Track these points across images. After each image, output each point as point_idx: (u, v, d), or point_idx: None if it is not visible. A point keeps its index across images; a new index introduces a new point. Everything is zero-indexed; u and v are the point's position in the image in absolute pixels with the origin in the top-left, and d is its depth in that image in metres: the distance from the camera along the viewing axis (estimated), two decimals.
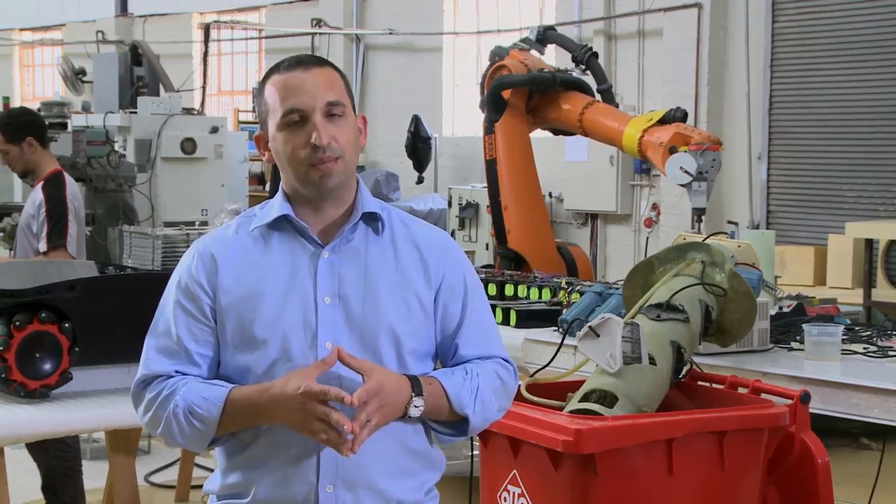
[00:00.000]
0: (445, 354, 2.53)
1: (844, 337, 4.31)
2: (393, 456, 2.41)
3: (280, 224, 2.45)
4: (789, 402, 3.48)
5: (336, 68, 2.49)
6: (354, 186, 2.49)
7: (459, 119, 12.98)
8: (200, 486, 5.80)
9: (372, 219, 2.48)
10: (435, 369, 2.53)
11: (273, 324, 2.39)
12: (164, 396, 2.39)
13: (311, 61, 2.45)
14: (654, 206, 10.69)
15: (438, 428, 2.48)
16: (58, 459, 4.87)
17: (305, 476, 2.37)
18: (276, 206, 2.46)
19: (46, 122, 8.77)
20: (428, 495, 2.52)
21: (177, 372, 2.42)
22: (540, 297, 5.18)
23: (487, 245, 10.04)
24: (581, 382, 3.50)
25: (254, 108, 13.97)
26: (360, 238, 2.46)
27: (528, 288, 5.24)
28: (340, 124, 2.41)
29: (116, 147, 9.21)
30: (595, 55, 7.42)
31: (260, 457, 2.40)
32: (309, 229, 2.44)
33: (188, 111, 10.46)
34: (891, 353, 4.27)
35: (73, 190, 5.55)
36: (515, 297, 5.26)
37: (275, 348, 2.38)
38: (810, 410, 3.54)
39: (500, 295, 5.29)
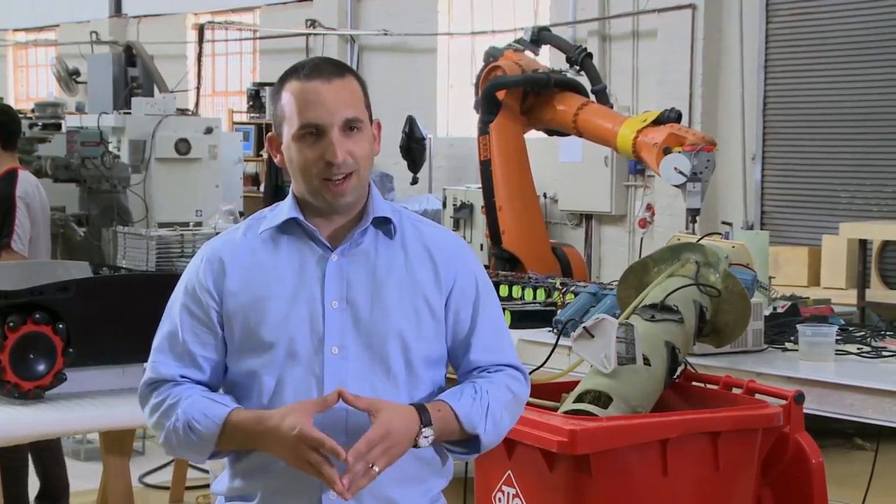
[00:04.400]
0: (456, 359, 2.50)
1: (838, 337, 4.32)
2: (400, 463, 2.36)
3: (289, 227, 2.43)
4: (783, 402, 3.49)
5: (356, 76, 2.44)
6: (366, 193, 2.46)
7: (454, 120, 12.98)
8: (195, 488, 5.81)
9: (383, 223, 2.45)
10: (447, 374, 2.51)
11: (280, 327, 2.37)
12: (168, 406, 2.39)
13: (332, 72, 2.39)
14: (649, 207, 10.70)
15: (451, 448, 2.45)
16: (6, 460, 4.83)
17: (309, 482, 2.34)
18: (286, 209, 2.43)
19: (38, 124, 8.85)
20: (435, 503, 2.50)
21: (182, 377, 2.41)
22: (534, 297, 5.18)
23: (482, 246, 10.03)
24: (575, 383, 3.50)
25: (249, 105, 13.96)
26: (370, 242, 2.43)
27: (523, 288, 5.24)
28: (357, 138, 2.39)
29: (110, 148, 9.19)
30: (589, 56, 7.42)
31: (265, 461, 2.38)
32: (318, 232, 2.42)
33: (182, 112, 10.44)
34: (885, 353, 4.28)
35: (27, 187, 5.42)
36: (510, 297, 5.26)
37: (281, 352, 2.37)
38: (804, 411, 3.54)
39: None
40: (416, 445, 2.33)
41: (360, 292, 2.39)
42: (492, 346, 2.49)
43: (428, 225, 2.52)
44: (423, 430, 2.32)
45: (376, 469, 2.26)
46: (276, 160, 2.48)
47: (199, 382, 2.42)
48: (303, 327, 2.37)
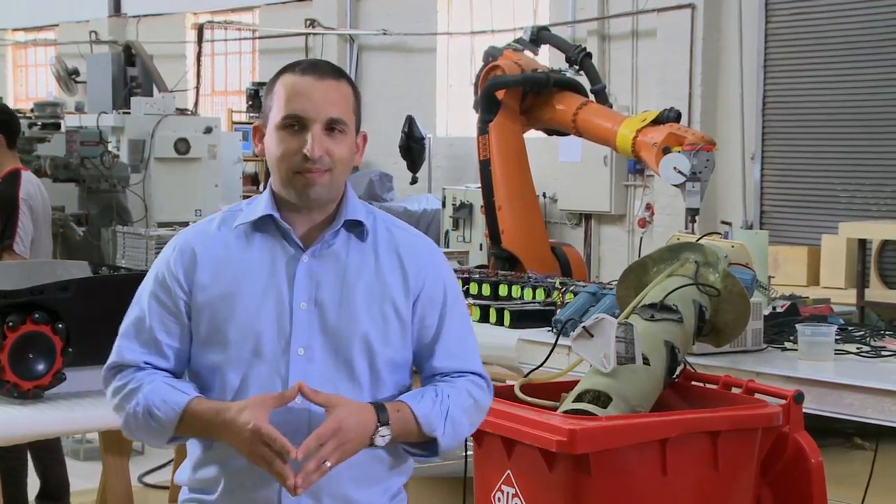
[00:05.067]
0: (420, 363, 2.51)
1: (838, 337, 4.31)
2: (358, 463, 2.38)
3: (264, 224, 2.44)
4: (783, 402, 3.49)
5: (350, 83, 2.46)
6: (340, 194, 2.46)
7: (453, 119, 12.98)
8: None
9: (356, 225, 2.46)
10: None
11: (247, 325, 2.38)
12: (130, 390, 2.41)
13: (327, 71, 2.42)
14: (648, 207, 10.70)
15: (409, 449, 2.46)
16: (5, 460, 4.82)
17: (269, 482, 2.35)
18: (262, 205, 2.44)
19: (37, 123, 8.85)
20: (393, 500, 2.50)
21: (146, 363, 2.43)
22: (534, 297, 5.18)
23: (481, 245, 10.04)
24: (575, 383, 3.50)
25: (249, 105, 13.95)
26: (342, 244, 2.44)
27: (522, 288, 5.24)
28: (338, 139, 2.39)
29: (110, 147, 9.21)
30: (589, 55, 7.41)
31: (226, 457, 2.39)
32: (292, 232, 2.42)
33: (182, 111, 10.44)
34: (884, 353, 4.28)
35: (30, 188, 5.39)
36: (509, 297, 5.26)
37: (247, 350, 2.38)
38: (804, 410, 3.54)
39: (494, 295, 5.29)
40: (372, 444, 2.34)
41: (329, 294, 2.40)
42: (456, 354, 2.50)
43: (402, 229, 2.52)
44: (380, 428, 2.33)
45: (328, 464, 2.27)
46: (256, 149, 2.50)
47: (163, 370, 2.43)
48: (270, 326, 2.38)
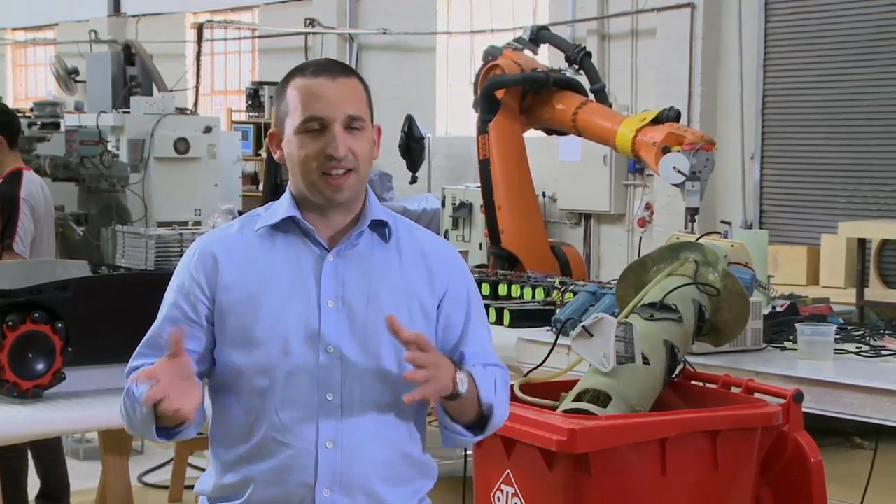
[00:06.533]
0: None
1: (837, 336, 4.31)
2: (390, 463, 2.41)
3: (286, 225, 2.44)
4: (782, 401, 3.49)
5: (360, 79, 2.47)
6: (364, 195, 2.47)
7: (453, 119, 12.98)
8: (194, 486, 5.81)
9: (379, 226, 2.47)
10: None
11: (274, 325, 2.37)
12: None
13: (338, 70, 2.43)
14: (648, 206, 10.70)
15: (457, 429, 2.45)
16: (5, 459, 4.81)
17: (302, 478, 2.36)
18: (284, 207, 2.44)
19: (37, 123, 8.85)
20: None
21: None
22: (533, 296, 5.18)
23: (481, 245, 10.04)
24: (574, 382, 3.50)
25: (248, 104, 13.96)
26: (366, 244, 2.45)
27: (522, 288, 5.24)
28: (358, 137, 2.40)
29: (109, 147, 9.20)
30: (588, 55, 7.41)
31: (257, 457, 2.39)
32: (315, 231, 2.43)
33: (181, 111, 10.44)
34: (883, 352, 4.28)
35: (31, 188, 5.38)
36: (509, 296, 5.27)
37: (275, 350, 2.37)
38: (803, 410, 3.54)
39: (494, 295, 5.29)
40: (454, 388, 2.34)
41: (356, 293, 2.41)
42: (483, 352, 2.53)
43: (422, 231, 2.55)
44: (459, 373, 2.35)
45: (428, 385, 2.28)
46: (275, 156, 2.49)
47: None
48: (298, 326, 2.38)
